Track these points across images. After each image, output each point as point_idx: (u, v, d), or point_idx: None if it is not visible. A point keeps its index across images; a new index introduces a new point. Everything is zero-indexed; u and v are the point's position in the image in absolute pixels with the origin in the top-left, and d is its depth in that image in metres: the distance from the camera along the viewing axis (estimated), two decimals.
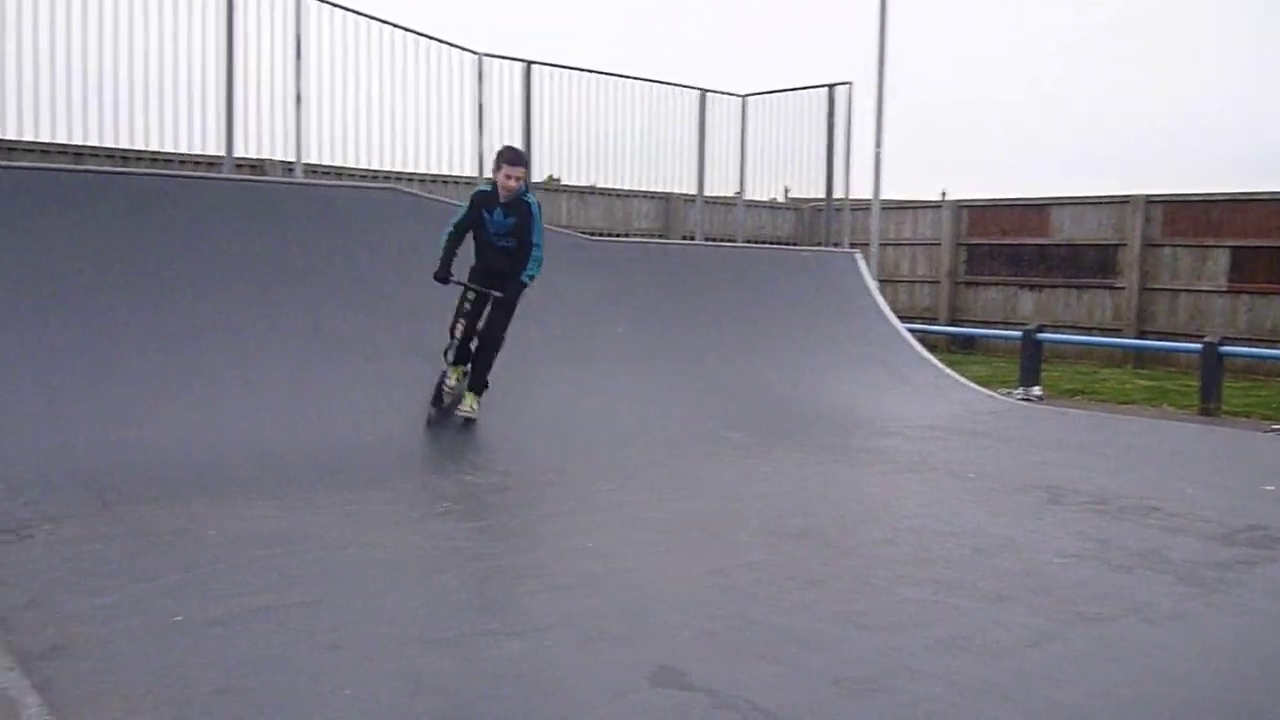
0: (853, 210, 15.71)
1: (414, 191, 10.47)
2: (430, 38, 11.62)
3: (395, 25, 11.22)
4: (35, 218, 7.70)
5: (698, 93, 14.77)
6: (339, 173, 11.45)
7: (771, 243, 16.66)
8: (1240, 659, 4.62)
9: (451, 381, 8.09)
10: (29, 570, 5.12)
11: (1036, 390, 13.67)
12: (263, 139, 10.44)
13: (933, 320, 20.19)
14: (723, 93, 15.03)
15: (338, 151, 11.10)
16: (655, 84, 14.26)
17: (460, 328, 7.92)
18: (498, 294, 7.90)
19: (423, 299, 8.06)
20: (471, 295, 7.94)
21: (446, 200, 10.14)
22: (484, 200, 7.93)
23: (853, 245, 15.06)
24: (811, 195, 15.94)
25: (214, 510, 6.23)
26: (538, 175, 13.55)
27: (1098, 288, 18.56)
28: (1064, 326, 18.34)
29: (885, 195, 16.37)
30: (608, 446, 8.38)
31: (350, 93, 10.98)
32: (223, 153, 10.12)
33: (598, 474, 7.70)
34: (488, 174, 11.42)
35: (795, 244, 17.79)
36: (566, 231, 12.17)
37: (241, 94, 10.12)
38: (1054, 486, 7.74)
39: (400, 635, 4.51)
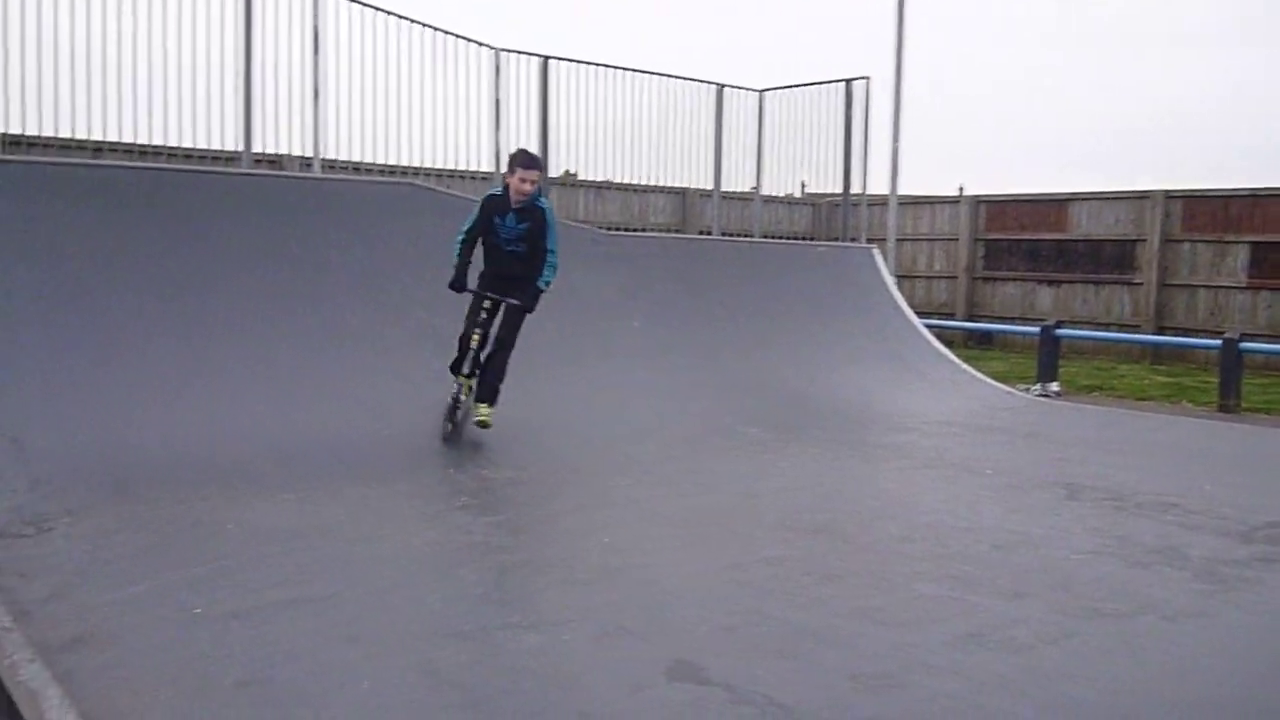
0: (870, 205, 15.66)
1: (431, 186, 10.50)
2: (447, 33, 11.63)
3: (413, 20, 11.23)
4: (55, 212, 7.74)
5: (715, 87, 14.74)
6: (356, 168, 11.47)
7: (788, 238, 16.62)
8: (1258, 656, 4.61)
9: (464, 395, 7.85)
10: (50, 563, 5.16)
11: (1054, 386, 13.62)
12: (280, 134, 10.46)
13: (950, 316, 20.11)
14: (740, 88, 15.00)
15: (355, 146, 11.11)
16: (672, 79, 14.23)
17: (476, 338, 7.67)
18: (515, 302, 7.73)
19: (439, 294, 8.06)
20: (488, 304, 7.74)
21: (463, 195, 10.15)
22: (495, 205, 7.70)
23: (870, 240, 15.02)
24: (828, 190, 15.90)
25: (232, 504, 6.26)
26: (554, 170, 13.54)
27: (1116, 283, 18.47)
28: (1082, 322, 18.28)
29: (902, 190, 16.31)
30: (625, 441, 8.38)
31: (368, 88, 10.99)
32: (241, 148, 10.15)
33: (615, 469, 7.70)
34: (504, 169, 11.46)
35: (812, 239, 17.74)
36: (583, 226, 12.18)
37: (260, 89, 10.14)
38: (1072, 483, 7.71)
39: (418, 629, 4.53)
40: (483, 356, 7.76)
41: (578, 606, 4.85)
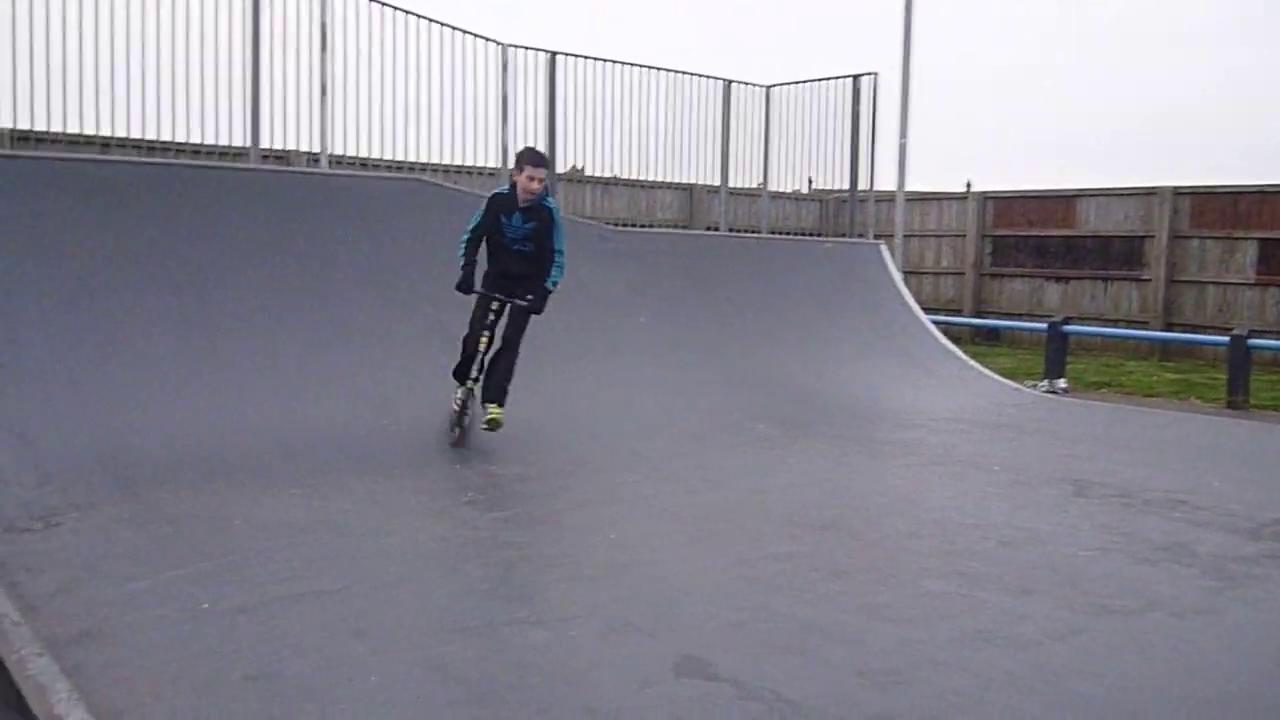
0: (877, 201, 15.63)
1: (438, 182, 10.50)
2: (455, 28, 11.64)
3: (420, 16, 11.24)
4: (62, 208, 7.75)
5: (722, 83, 14.74)
6: (364, 164, 11.48)
7: (795, 234, 16.61)
8: (1266, 653, 4.60)
9: (470, 400, 7.72)
10: (58, 557, 5.18)
11: (1062, 383, 13.58)
12: (288, 130, 10.49)
13: (957, 312, 20.07)
14: (747, 83, 14.99)
15: (362, 142, 11.13)
16: (680, 74, 14.24)
17: (485, 340, 7.55)
18: (523, 303, 7.64)
19: (445, 290, 8.04)
20: (495, 306, 7.63)
21: (470, 191, 10.16)
22: (501, 203, 7.56)
23: (877, 237, 15.00)
24: (836, 186, 15.88)
25: (239, 498, 6.27)
26: (561, 165, 13.55)
27: (1124, 280, 18.42)
28: (1090, 319, 18.23)
29: (910, 187, 16.28)
30: (632, 437, 8.38)
31: (375, 84, 11.01)
32: (248, 144, 10.17)
33: (622, 465, 7.70)
34: (511, 165, 11.46)
35: (819, 235, 17.71)
36: (591, 222, 12.17)
37: (267, 85, 10.17)
38: (1079, 479, 7.70)
39: (425, 623, 4.53)
40: (487, 359, 7.63)
41: (585, 602, 4.85)
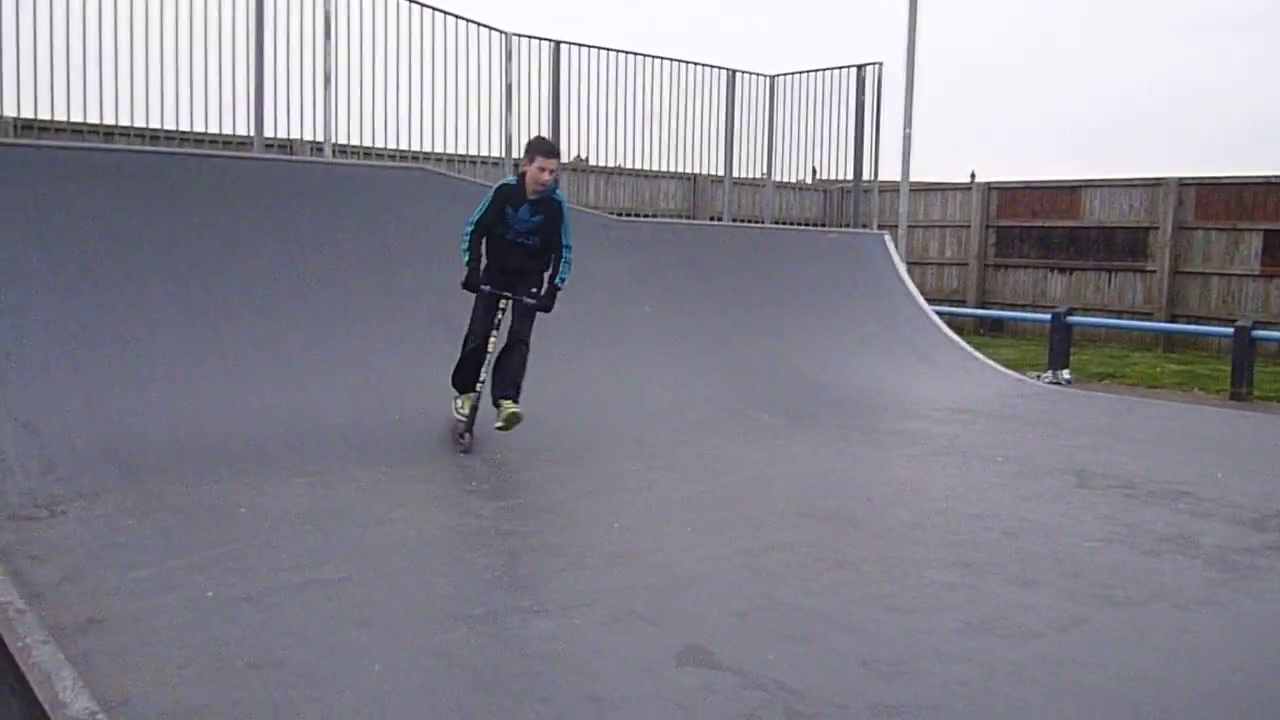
0: (881, 192, 15.60)
1: (442, 171, 10.49)
2: (459, 17, 11.60)
3: (424, 4, 11.21)
4: (66, 197, 7.75)
5: (726, 72, 14.69)
6: (368, 153, 11.46)
7: (800, 224, 16.57)
8: (1271, 644, 4.60)
9: (465, 407, 7.53)
10: (63, 546, 5.19)
11: (1066, 374, 13.58)
12: (292, 119, 10.47)
13: (961, 302, 20.05)
14: (752, 73, 14.95)
15: (366, 132, 11.11)
16: (684, 64, 14.19)
17: (493, 341, 7.39)
18: (532, 302, 7.44)
19: (449, 279, 8.04)
20: (503, 304, 7.47)
21: (475, 180, 10.15)
22: (509, 195, 7.34)
23: (881, 227, 14.98)
24: (840, 176, 15.85)
25: (244, 487, 6.28)
26: (565, 155, 13.52)
27: (1129, 271, 18.38)
28: (1094, 309, 18.19)
29: (914, 177, 16.22)
30: (636, 426, 8.39)
31: (379, 73, 10.98)
32: (252, 133, 10.16)
33: (626, 454, 7.71)
34: (515, 154, 11.43)
35: (823, 225, 17.68)
36: (595, 212, 12.16)
37: (271, 74, 10.14)
38: (1083, 470, 7.70)
39: (430, 612, 4.54)
40: (493, 358, 7.47)
41: (589, 591, 4.86)
